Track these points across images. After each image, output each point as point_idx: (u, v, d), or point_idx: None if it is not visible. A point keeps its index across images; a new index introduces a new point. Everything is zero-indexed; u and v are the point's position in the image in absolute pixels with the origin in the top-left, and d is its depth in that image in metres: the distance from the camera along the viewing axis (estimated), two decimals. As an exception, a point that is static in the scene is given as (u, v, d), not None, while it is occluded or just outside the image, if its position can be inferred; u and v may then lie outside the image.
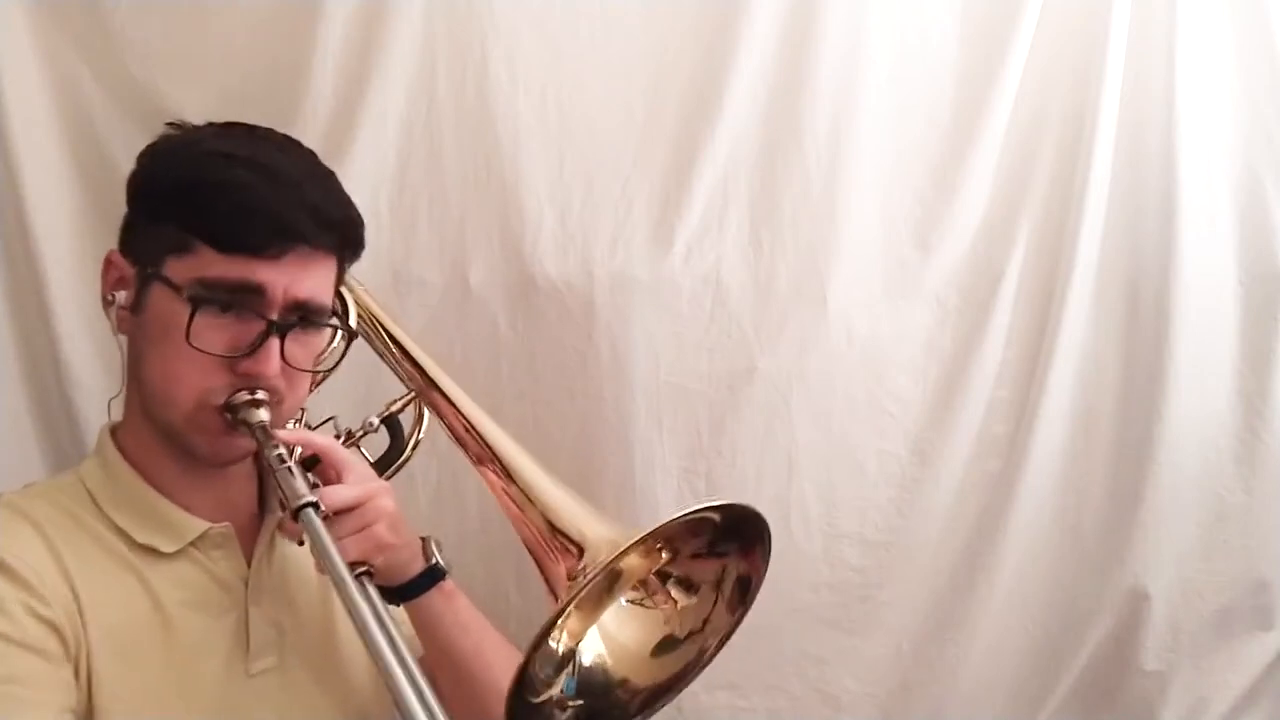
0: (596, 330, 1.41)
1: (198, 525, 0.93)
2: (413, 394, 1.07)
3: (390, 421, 1.07)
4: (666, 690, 0.95)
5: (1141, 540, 1.52)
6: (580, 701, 0.94)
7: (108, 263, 0.95)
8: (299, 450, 0.91)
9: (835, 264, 1.45)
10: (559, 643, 0.94)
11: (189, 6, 1.34)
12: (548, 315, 1.41)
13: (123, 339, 0.95)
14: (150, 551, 0.91)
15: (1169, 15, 1.48)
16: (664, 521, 0.87)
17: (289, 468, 0.87)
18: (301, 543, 0.97)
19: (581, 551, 0.89)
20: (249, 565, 0.96)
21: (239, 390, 0.89)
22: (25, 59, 1.29)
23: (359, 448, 1.04)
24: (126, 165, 1.31)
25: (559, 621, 0.92)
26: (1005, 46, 1.46)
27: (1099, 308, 1.52)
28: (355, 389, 1.27)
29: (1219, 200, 1.53)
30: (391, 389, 1.11)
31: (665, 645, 0.97)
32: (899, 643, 1.52)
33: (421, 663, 0.80)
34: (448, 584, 0.96)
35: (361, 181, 1.32)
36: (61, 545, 0.88)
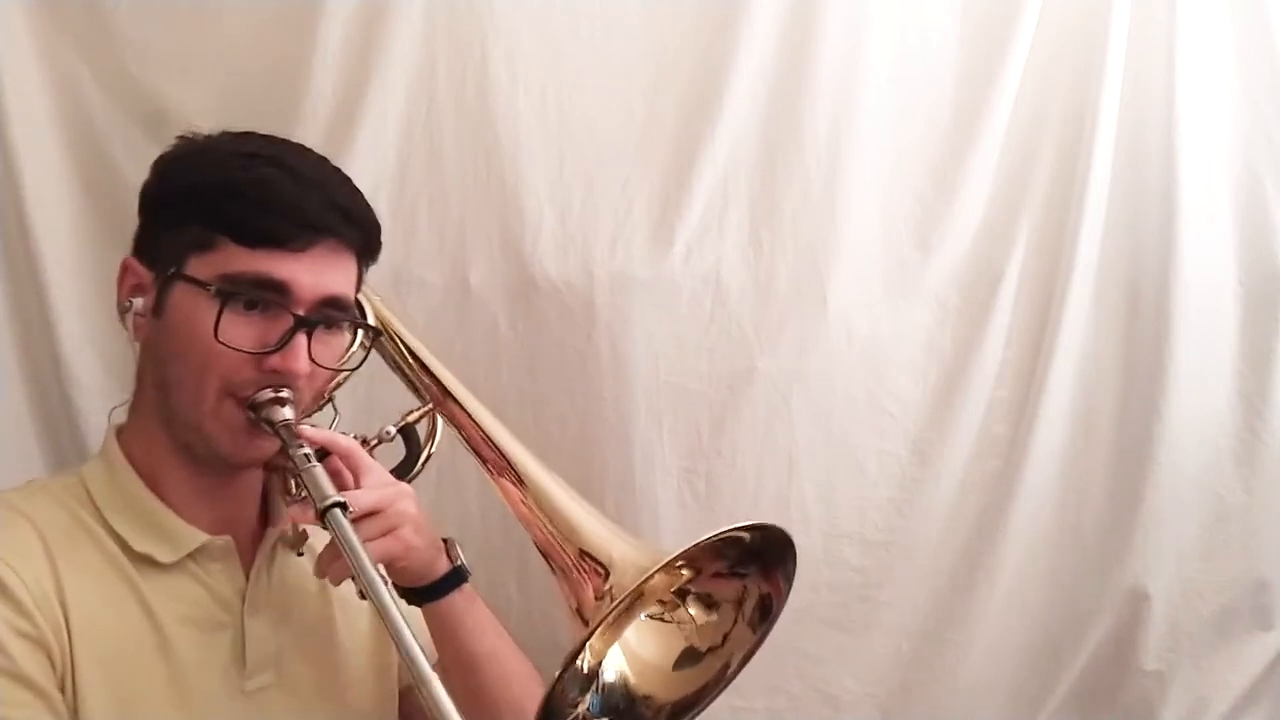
0: (596, 330, 1.41)
1: (196, 537, 0.91)
2: (429, 406, 1.05)
3: (406, 431, 1.05)
4: (691, 705, 0.95)
5: (1141, 540, 1.52)
6: (606, 719, 0.93)
7: (124, 269, 0.93)
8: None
9: (835, 264, 1.45)
10: (583, 661, 0.93)
11: (189, 6, 1.33)
12: (548, 315, 1.41)
13: (136, 346, 0.93)
14: (147, 561, 0.89)
15: (1169, 15, 1.48)
16: (695, 543, 0.87)
17: (316, 467, 0.86)
18: (301, 553, 0.97)
19: (608, 573, 0.89)
20: (247, 579, 0.95)
21: (263, 388, 0.88)
22: (25, 59, 1.29)
23: (372, 455, 1.02)
24: (127, 165, 1.32)
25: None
26: (1005, 46, 1.46)
27: (1099, 308, 1.52)
28: (355, 391, 1.26)
29: (1219, 200, 1.53)
30: (393, 391, 1.10)
31: (687, 658, 0.96)
32: (899, 643, 1.52)
33: (435, 669, 0.79)
34: (468, 587, 0.96)
35: (361, 181, 1.28)
36: (58, 551, 0.86)
